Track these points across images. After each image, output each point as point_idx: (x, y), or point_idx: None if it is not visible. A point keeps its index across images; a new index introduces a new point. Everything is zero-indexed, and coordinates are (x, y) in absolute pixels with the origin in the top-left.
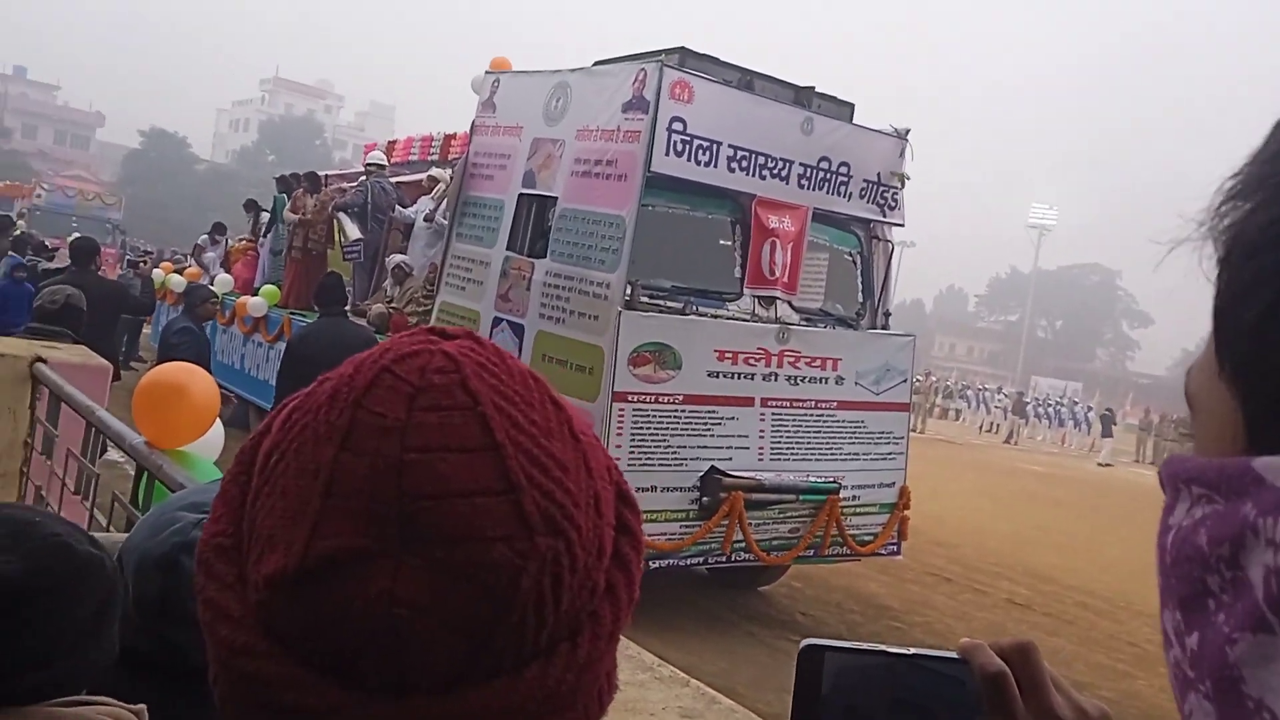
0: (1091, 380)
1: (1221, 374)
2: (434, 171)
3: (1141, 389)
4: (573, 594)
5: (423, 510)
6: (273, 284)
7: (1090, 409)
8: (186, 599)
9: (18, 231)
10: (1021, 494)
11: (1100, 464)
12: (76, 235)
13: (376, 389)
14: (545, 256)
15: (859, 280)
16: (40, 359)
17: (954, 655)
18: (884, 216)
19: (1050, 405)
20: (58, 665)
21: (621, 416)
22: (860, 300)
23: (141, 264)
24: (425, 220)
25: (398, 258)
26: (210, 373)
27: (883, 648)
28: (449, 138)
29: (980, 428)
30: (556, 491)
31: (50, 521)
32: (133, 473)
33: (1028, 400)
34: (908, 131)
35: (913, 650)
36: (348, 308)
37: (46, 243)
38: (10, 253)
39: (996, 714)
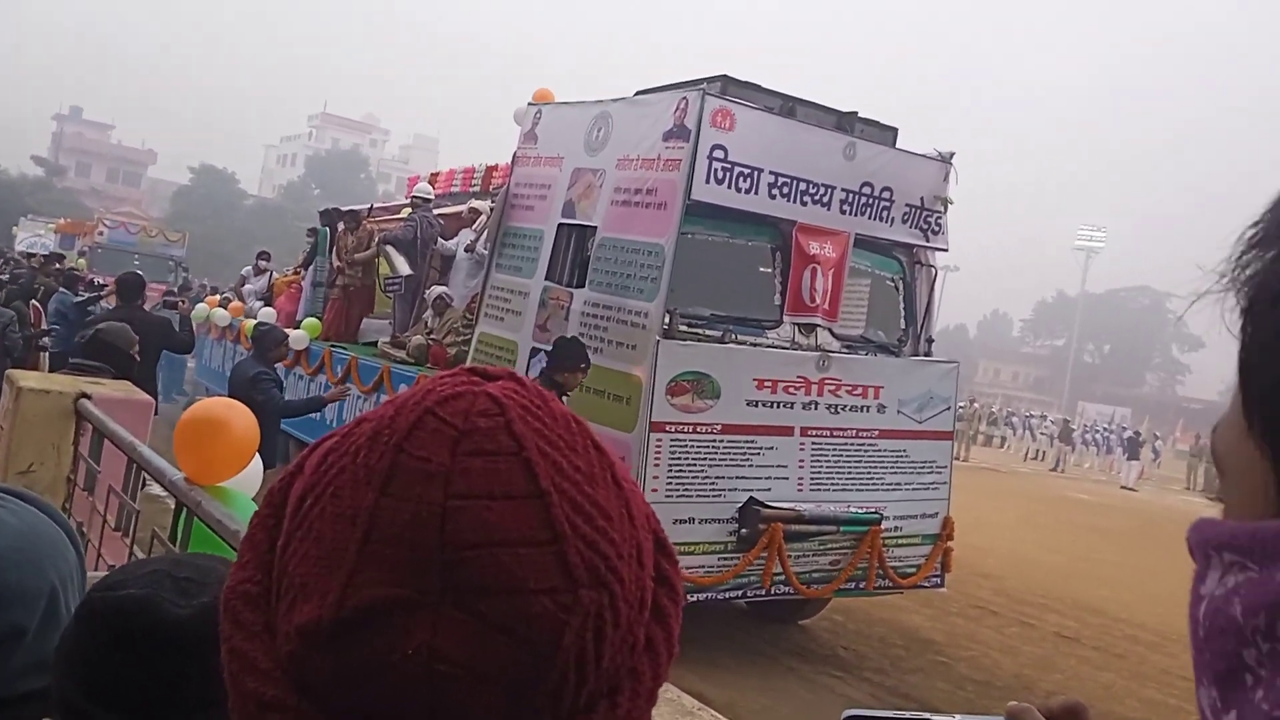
0: (1141, 406)
1: (1250, 432)
2: (474, 203)
3: (1193, 414)
4: (614, 649)
5: (465, 560)
6: (313, 317)
7: (1139, 434)
8: None
9: (70, 266)
10: (1068, 523)
11: (1124, 487)
12: (129, 271)
13: (419, 432)
14: (584, 286)
15: (901, 306)
16: (85, 395)
17: (1000, 719)
18: (927, 241)
19: (1098, 432)
20: (211, 714)
21: (659, 447)
22: (902, 327)
23: (181, 302)
24: (466, 251)
25: (439, 289)
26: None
27: (927, 716)
28: (490, 169)
29: (1025, 455)
30: (601, 542)
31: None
32: (173, 506)
33: (1074, 427)
34: (951, 155)
35: (958, 717)
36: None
37: (96, 280)
38: (61, 289)
39: None
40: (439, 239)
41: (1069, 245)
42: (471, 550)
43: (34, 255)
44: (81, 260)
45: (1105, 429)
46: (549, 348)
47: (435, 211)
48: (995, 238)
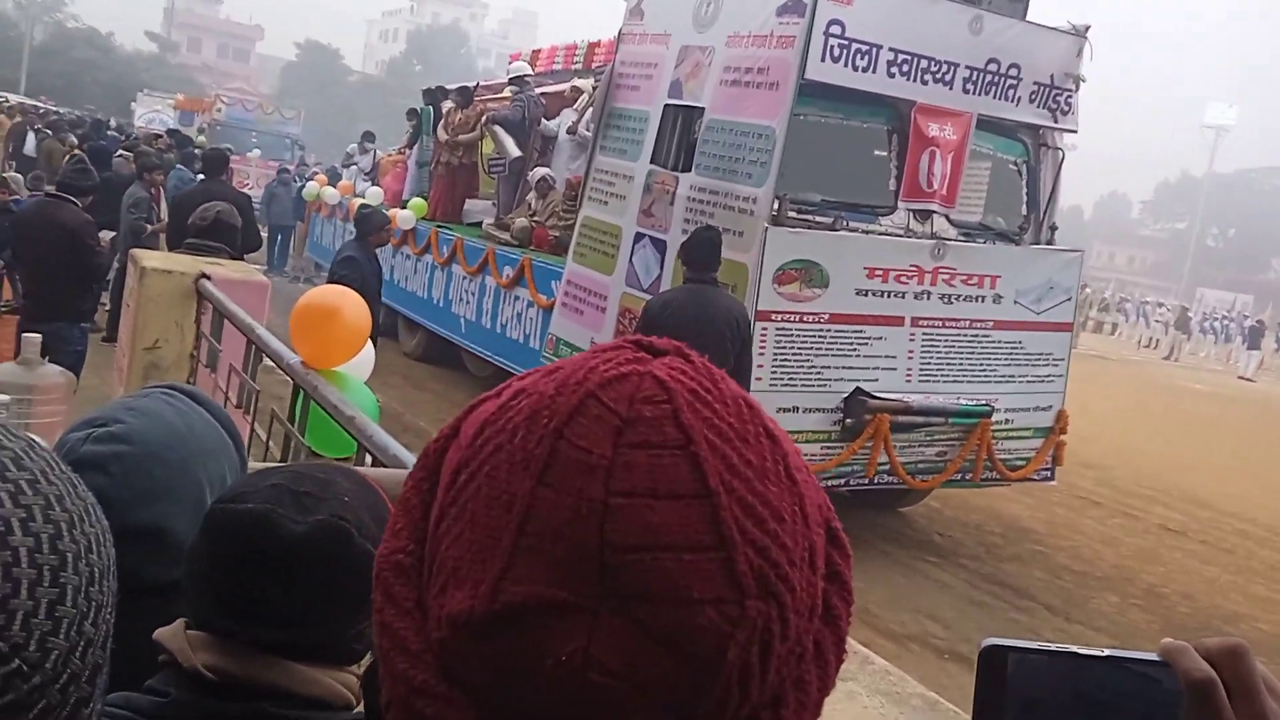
0: (1264, 293)
1: None
2: (577, 82)
3: None
4: (780, 662)
5: (627, 564)
6: (419, 196)
7: (1261, 323)
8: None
9: (197, 149)
10: (1180, 414)
11: (1241, 377)
12: (214, 147)
13: (580, 418)
14: (690, 170)
15: (1024, 192)
16: (205, 275)
17: (1154, 658)
18: (1055, 122)
19: (1217, 319)
20: (311, 631)
21: (764, 336)
22: (1024, 213)
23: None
24: (568, 132)
25: (542, 171)
26: (378, 301)
27: (1073, 649)
28: (593, 46)
29: (1138, 342)
30: (772, 548)
31: (348, 498)
32: (289, 380)
33: (1192, 314)
34: (1087, 29)
35: (1107, 652)
36: (715, 273)
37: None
38: (178, 165)
39: None
40: (541, 119)
41: (1197, 123)
42: (633, 553)
43: (160, 137)
44: (202, 137)
45: (1225, 316)
46: (655, 233)
47: (536, 90)
48: (1116, 114)
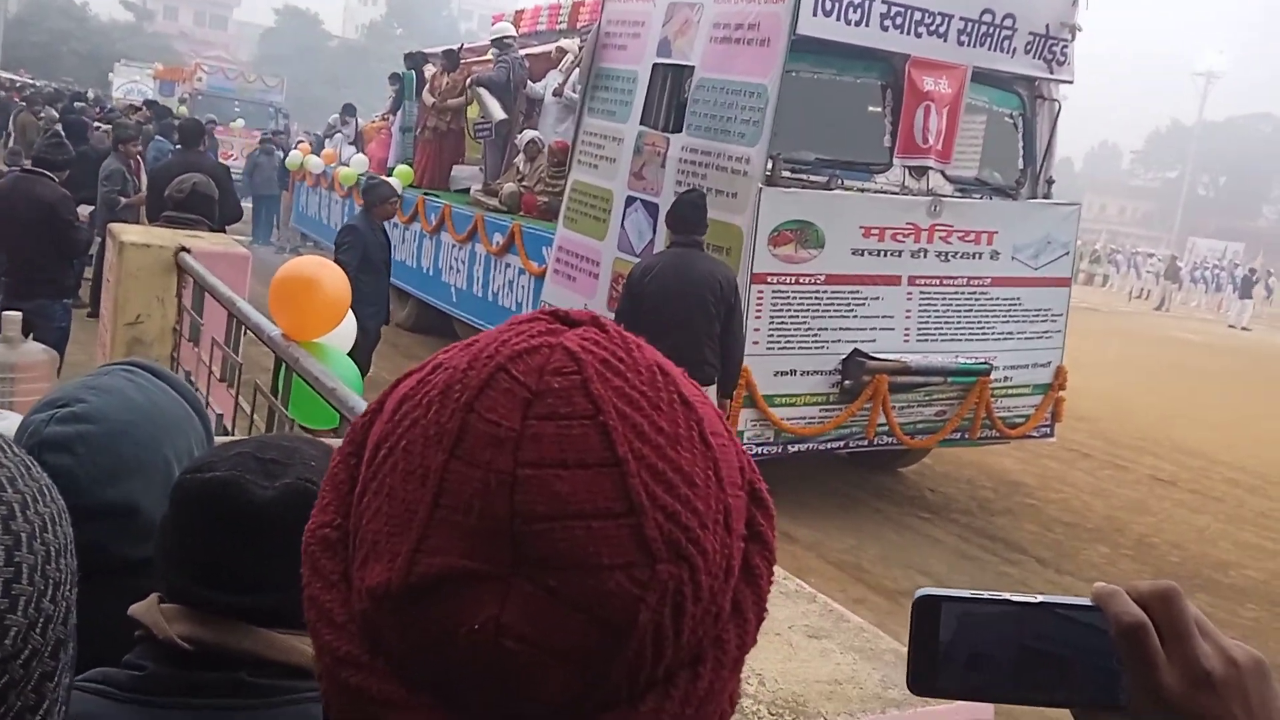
0: (1256, 240)
1: None
2: (563, 43)
3: None
4: (695, 622)
5: (535, 533)
6: (404, 163)
7: (1253, 271)
8: (72, 494)
9: (176, 120)
10: (1171, 365)
11: (1231, 326)
12: (190, 117)
13: (490, 391)
14: (681, 131)
15: (1020, 145)
16: (184, 249)
17: (1088, 603)
18: (1051, 73)
19: (1207, 269)
20: (283, 594)
21: (760, 299)
22: (1020, 167)
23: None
24: (554, 94)
25: (530, 133)
26: (386, 271)
27: (1007, 596)
28: (577, 4)
29: (1130, 294)
30: (682, 512)
31: (314, 463)
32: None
33: (1181, 264)
34: None
35: (1041, 599)
36: (701, 236)
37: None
38: (157, 136)
39: (1136, 666)
40: (526, 81)
41: (1186, 70)
42: (542, 523)
43: (139, 109)
44: (183, 108)
45: (1216, 265)
46: (646, 197)
47: (521, 52)
48: (1105, 63)
